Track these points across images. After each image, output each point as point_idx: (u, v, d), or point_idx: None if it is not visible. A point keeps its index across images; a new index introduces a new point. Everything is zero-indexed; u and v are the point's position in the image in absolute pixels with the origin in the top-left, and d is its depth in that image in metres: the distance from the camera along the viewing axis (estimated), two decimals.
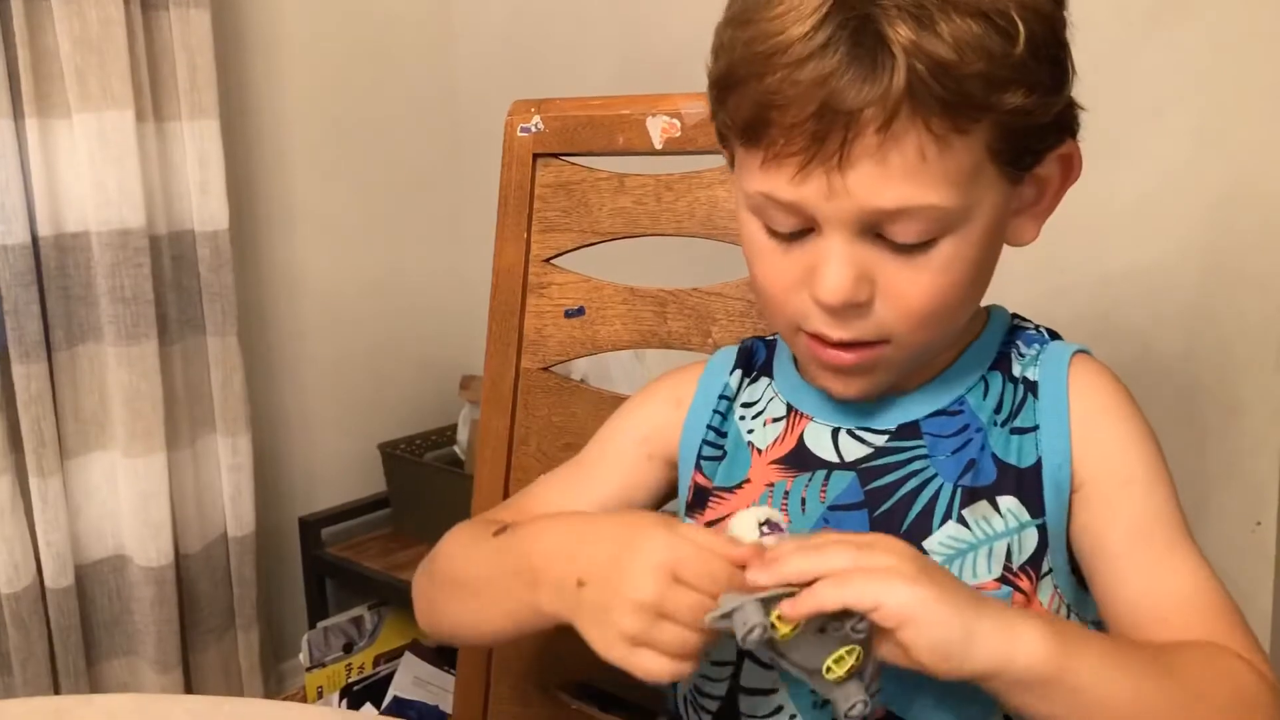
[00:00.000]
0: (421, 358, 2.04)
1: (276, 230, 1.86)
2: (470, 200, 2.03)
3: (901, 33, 0.55)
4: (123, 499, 1.62)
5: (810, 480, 0.69)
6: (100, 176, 1.54)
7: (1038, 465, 0.65)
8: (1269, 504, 1.25)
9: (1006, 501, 0.65)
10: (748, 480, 0.72)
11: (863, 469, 0.68)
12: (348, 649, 1.87)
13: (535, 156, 0.93)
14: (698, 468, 0.74)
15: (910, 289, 0.61)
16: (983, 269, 0.64)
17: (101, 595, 1.65)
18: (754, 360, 0.77)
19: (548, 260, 0.94)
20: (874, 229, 0.60)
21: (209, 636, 1.75)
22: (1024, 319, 0.73)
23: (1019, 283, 0.79)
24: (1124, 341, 1.32)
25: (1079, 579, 0.66)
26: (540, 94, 1.76)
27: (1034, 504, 0.65)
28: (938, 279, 0.61)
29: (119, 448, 1.61)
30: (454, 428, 1.97)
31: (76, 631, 1.60)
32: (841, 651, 0.54)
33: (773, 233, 0.63)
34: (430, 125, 2.03)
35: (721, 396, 0.75)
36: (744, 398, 0.75)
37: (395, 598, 1.85)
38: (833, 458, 0.69)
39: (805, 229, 0.62)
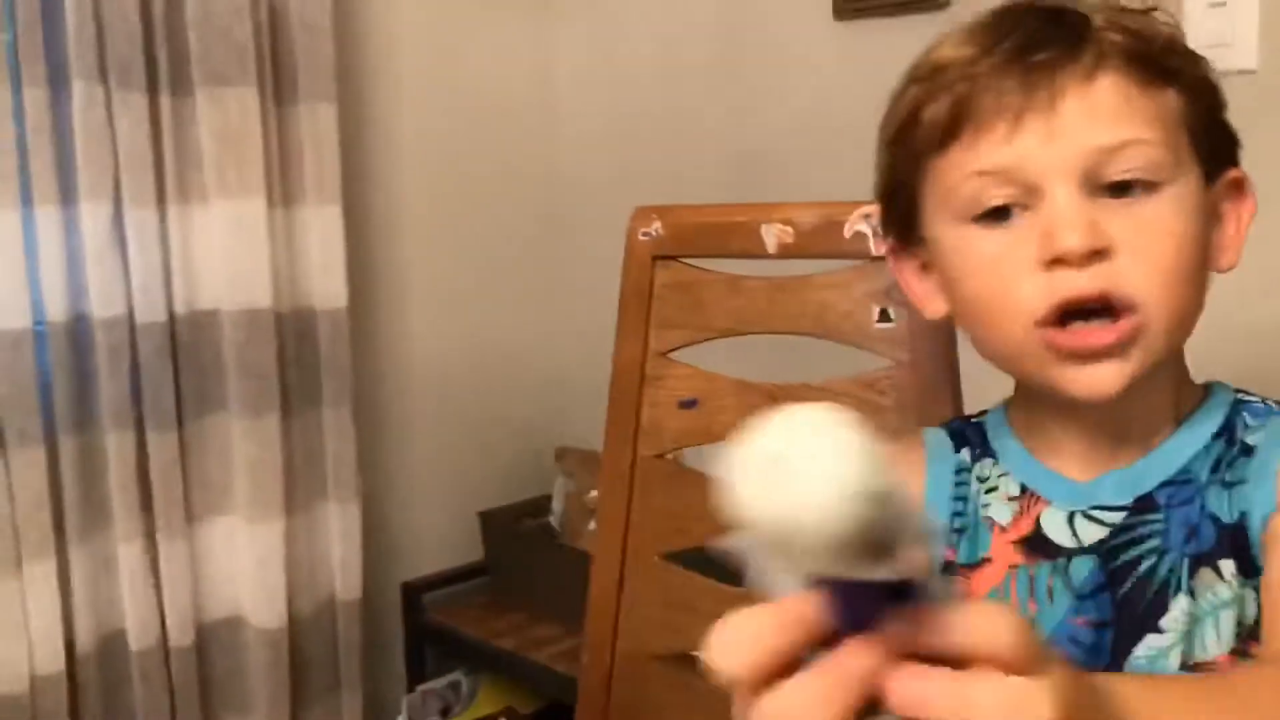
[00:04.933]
0: (519, 428, 2.12)
1: (390, 306, 1.96)
2: (566, 276, 2.12)
3: (1081, 11, 0.63)
4: (242, 563, 1.71)
5: (1054, 568, 0.68)
6: (233, 259, 1.65)
7: (1243, 520, 0.64)
8: None
9: (1228, 566, 0.64)
10: (989, 559, 0.71)
11: (1103, 551, 0.67)
12: (445, 713, 1.93)
13: (654, 259, 1.00)
14: (946, 543, 0.72)
15: (1149, 241, 0.61)
16: (1202, 253, 0.64)
17: (219, 654, 1.73)
18: (970, 441, 0.75)
19: (664, 354, 1.01)
20: (1096, 178, 0.61)
21: (315, 697, 1.82)
22: (1249, 392, 0.71)
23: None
24: None
25: None
26: (631, 176, 1.86)
27: (1246, 563, 0.63)
28: (1172, 231, 0.61)
29: (240, 513, 1.70)
30: (549, 498, 2.03)
31: (195, 688, 1.68)
32: None
33: (988, 222, 0.63)
34: (531, 206, 2.12)
35: (959, 469, 0.74)
36: (977, 472, 0.74)
37: (491, 663, 1.90)
38: (1071, 543, 0.68)
39: (1019, 205, 0.62)
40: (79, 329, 1.58)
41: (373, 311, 1.94)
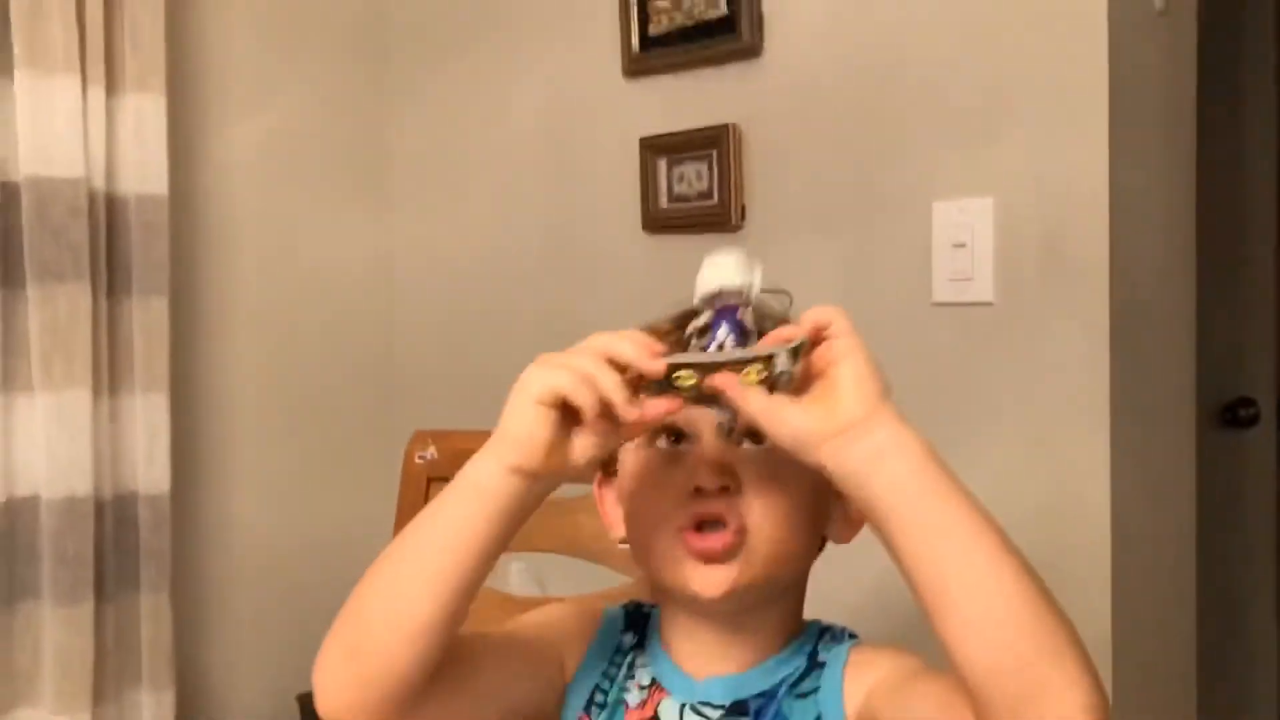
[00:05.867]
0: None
1: (215, 491, 2.00)
2: (397, 464, 2.18)
3: None
4: None
5: None
6: (54, 447, 1.69)
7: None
8: None
9: None
10: None
11: None
12: None
13: (429, 480, 1.09)
14: (586, 710, 0.86)
15: (767, 486, 0.78)
16: (813, 511, 0.81)
17: None
18: (636, 626, 0.90)
19: None
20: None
21: None
22: (834, 624, 0.89)
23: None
24: None
25: None
26: (462, 363, 1.96)
27: None
28: (786, 481, 0.78)
29: (46, 705, 1.69)
30: None
31: None
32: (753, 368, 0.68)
33: (649, 457, 0.81)
34: (365, 393, 2.20)
35: (616, 649, 0.89)
36: (629, 658, 0.88)
37: None
38: None
39: (681, 434, 0.79)
40: None
41: (196, 496, 1.97)
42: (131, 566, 1.79)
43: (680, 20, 1.76)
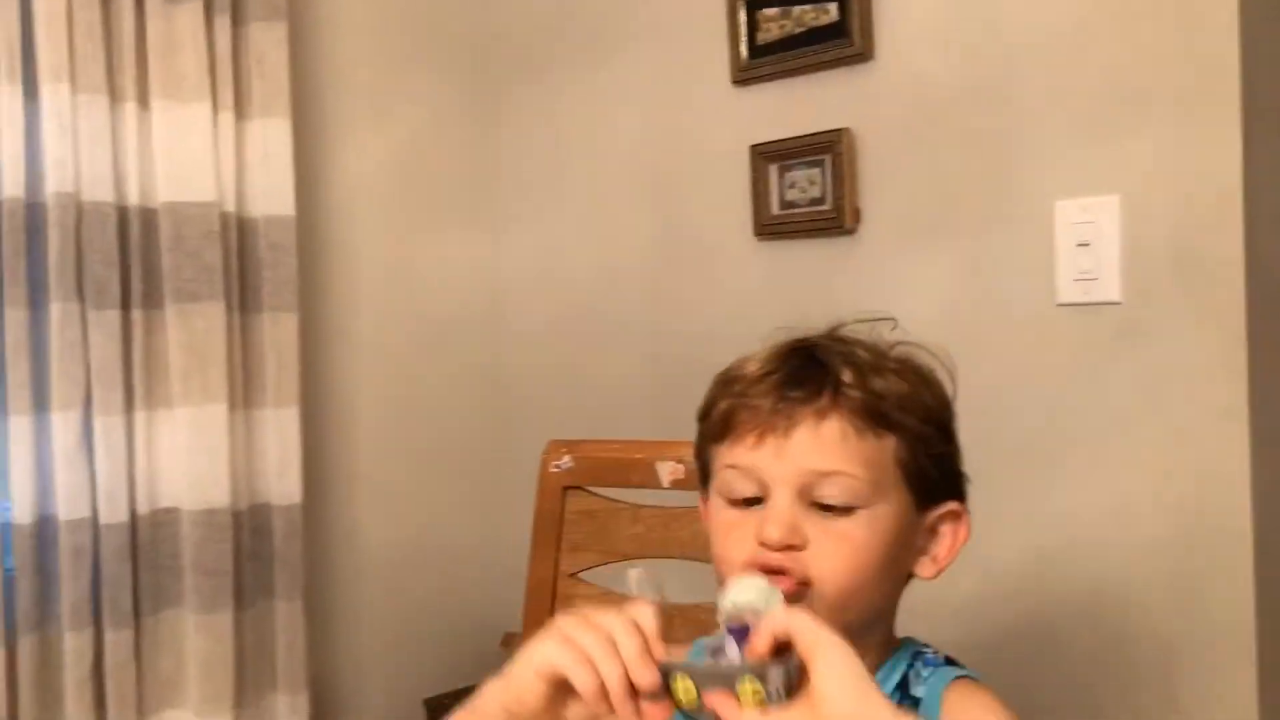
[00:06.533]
0: (466, 616, 2.19)
1: (342, 502, 2.06)
2: (511, 472, 2.22)
3: (836, 360, 0.81)
4: None
5: None
6: (194, 461, 1.76)
7: None
8: None
9: None
10: None
11: None
12: None
13: (565, 489, 1.11)
14: None
15: (833, 545, 0.80)
16: (890, 560, 0.82)
17: None
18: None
19: (573, 575, 1.11)
20: (808, 491, 0.80)
21: None
22: (928, 645, 0.89)
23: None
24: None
25: None
26: (570, 378, 1.98)
27: None
28: (854, 542, 0.80)
29: (191, 707, 1.76)
30: None
31: None
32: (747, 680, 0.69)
33: (733, 504, 0.83)
34: (479, 406, 2.25)
35: None
36: None
37: None
38: None
39: (759, 498, 0.81)
40: (44, 530, 1.67)
41: (325, 506, 2.04)
42: (267, 575, 1.86)
43: (790, 28, 1.76)
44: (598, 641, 0.71)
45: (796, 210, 1.78)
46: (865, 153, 1.69)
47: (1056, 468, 1.48)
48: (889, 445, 0.82)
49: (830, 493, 0.80)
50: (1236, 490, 1.33)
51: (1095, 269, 1.46)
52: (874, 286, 1.66)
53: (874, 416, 0.81)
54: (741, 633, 0.73)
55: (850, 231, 1.71)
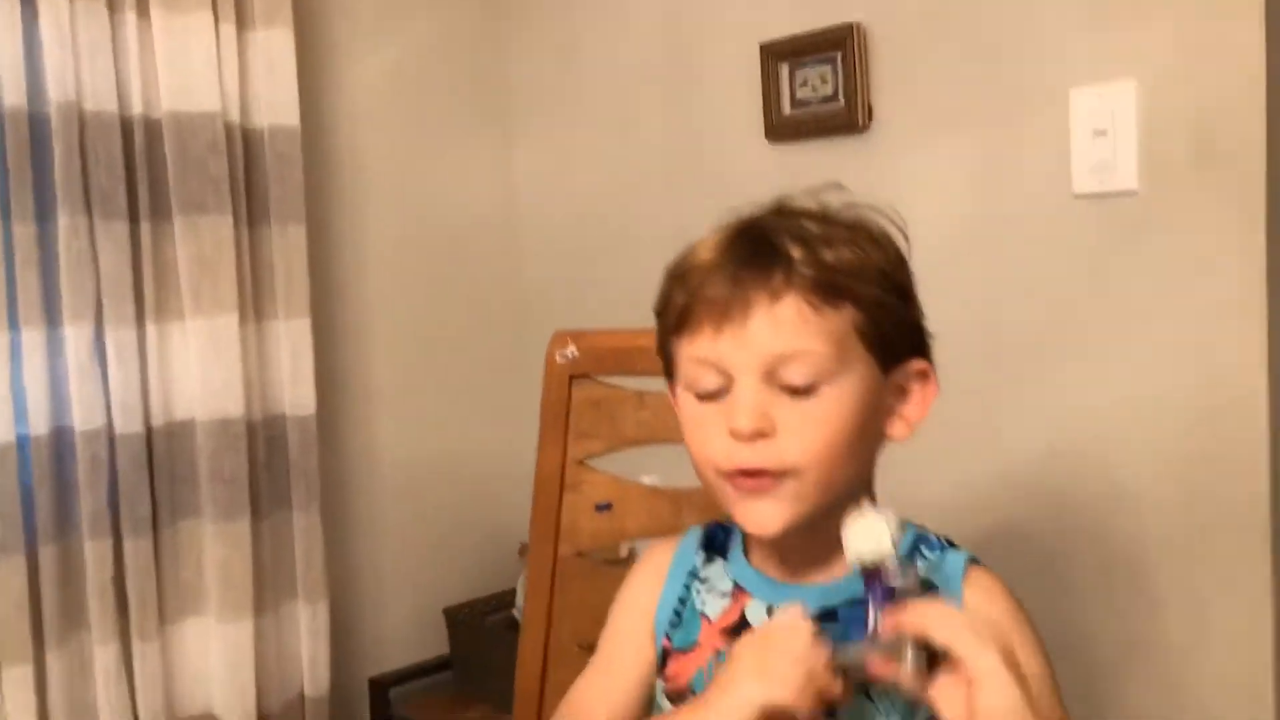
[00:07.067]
0: (482, 527, 2.21)
1: (357, 412, 2.07)
2: (527, 381, 2.22)
3: (784, 239, 0.79)
4: (213, 662, 1.79)
5: None
6: (207, 372, 1.76)
7: None
8: None
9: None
10: (698, 644, 0.89)
11: None
12: None
13: (571, 378, 1.11)
14: (665, 634, 0.91)
15: (804, 425, 0.79)
16: (862, 429, 0.81)
17: None
18: (714, 542, 0.94)
19: (581, 462, 1.11)
20: (772, 374, 0.79)
21: None
22: (925, 528, 0.89)
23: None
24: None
25: None
26: (587, 286, 1.97)
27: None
28: (824, 419, 0.79)
29: (212, 614, 1.78)
30: (514, 592, 2.11)
31: None
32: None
33: (701, 398, 0.82)
34: (494, 315, 2.25)
35: (689, 572, 0.92)
36: (703, 574, 0.92)
37: None
38: None
39: (723, 389, 0.80)
40: (60, 442, 1.68)
41: (340, 418, 2.04)
42: (283, 485, 1.88)
43: None
44: (804, 675, 0.73)
45: (808, 109, 1.74)
46: (877, 48, 1.66)
47: (1072, 360, 1.46)
48: (847, 315, 0.80)
49: (794, 373, 0.79)
50: (1253, 382, 1.31)
51: (1112, 158, 1.42)
52: (889, 184, 1.63)
53: (829, 290, 0.79)
54: (876, 583, 0.75)
55: (863, 129, 1.68)
